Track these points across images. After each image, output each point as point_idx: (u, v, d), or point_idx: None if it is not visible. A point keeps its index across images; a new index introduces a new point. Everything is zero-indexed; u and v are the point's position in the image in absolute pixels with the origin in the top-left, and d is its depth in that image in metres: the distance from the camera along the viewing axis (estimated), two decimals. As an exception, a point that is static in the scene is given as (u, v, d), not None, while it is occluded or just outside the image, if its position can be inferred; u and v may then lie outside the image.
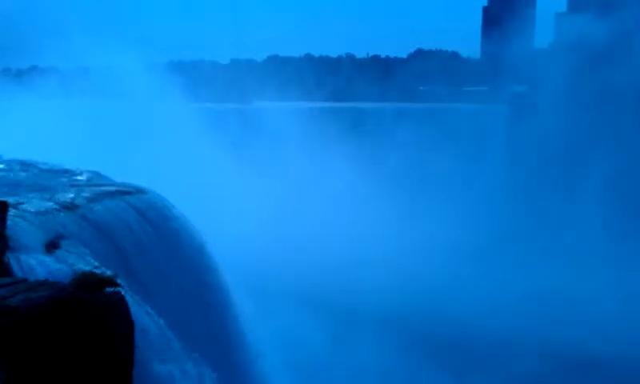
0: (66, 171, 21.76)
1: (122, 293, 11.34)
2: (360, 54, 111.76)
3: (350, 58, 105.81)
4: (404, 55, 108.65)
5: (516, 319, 41.55)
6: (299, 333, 33.08)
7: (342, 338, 35.72)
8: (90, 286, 11.21)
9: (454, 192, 59.70)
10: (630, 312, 41.60)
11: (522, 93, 74.05)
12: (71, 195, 17.68)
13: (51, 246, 14.18)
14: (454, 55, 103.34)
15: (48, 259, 13.15)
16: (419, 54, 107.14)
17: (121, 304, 11.17)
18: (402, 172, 61.86)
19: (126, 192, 19.38)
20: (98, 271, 12.12)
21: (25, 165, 22.78)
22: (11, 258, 12.25)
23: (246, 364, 20.82)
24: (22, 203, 15.72)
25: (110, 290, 11.25)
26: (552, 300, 44.63)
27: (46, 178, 20.48)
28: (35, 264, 12.42)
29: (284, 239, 46.21)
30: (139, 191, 19.94)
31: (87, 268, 12.50)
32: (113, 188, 19.64)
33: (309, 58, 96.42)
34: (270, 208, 50.96)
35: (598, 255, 51.80)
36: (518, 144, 63.37)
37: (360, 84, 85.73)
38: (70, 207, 16.61)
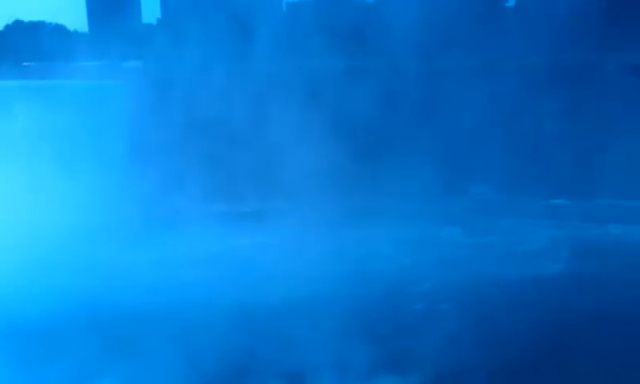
0: None
1: None
2: None
3: None
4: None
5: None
6: None
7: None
8: None
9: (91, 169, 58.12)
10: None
11: (135, 68, 75.51)
12: None
13: None
14: (60, 28, 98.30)
15: None
16: (18, 25, 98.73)
17: None
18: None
19: None
20: None
21: None
22: None
23: None
24: None
25: None
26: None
27: None
28: None
29: None
30: None
31: None
32: None
33: None
34: None
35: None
36: (138, 118, 64.94)
37: None
38: None
